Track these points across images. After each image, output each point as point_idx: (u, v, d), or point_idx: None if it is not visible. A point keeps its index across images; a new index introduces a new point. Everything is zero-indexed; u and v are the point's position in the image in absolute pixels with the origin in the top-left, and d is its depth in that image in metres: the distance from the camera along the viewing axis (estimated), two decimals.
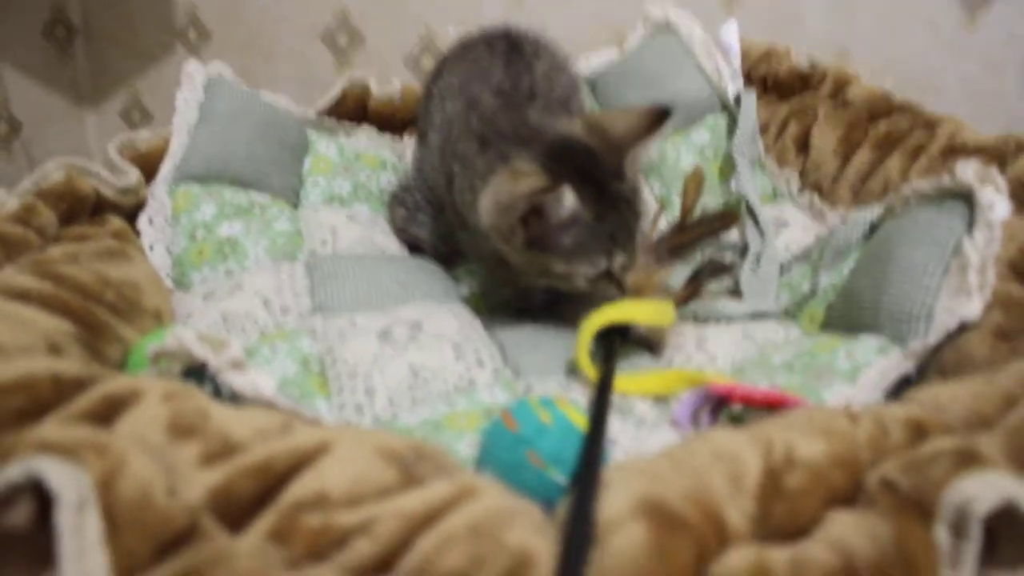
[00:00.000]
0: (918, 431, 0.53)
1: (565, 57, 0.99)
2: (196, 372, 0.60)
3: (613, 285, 0.78)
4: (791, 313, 0.84)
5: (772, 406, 0.61)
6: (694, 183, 0.98)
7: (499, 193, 0.75)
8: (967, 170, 0.71)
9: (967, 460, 0.47)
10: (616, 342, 0.73)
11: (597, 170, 0.75)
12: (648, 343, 0.79)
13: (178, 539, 0.41)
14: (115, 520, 0.40)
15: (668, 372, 0.71)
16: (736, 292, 0.90)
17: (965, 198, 0.71)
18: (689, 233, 0.98)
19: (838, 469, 0.49)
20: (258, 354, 0.77)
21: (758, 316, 0.83)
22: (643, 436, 0.64)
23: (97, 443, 0.44)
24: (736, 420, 0.65)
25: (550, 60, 0.95)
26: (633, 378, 0.70)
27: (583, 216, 0.74)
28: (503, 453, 0.55)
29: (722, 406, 0.65)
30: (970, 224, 0.69)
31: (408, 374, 0.73)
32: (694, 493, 0.45)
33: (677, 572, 0.40)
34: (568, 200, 0.73)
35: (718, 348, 0.78)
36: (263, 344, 0.78)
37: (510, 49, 0.93)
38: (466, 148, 0.84)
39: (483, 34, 1.00)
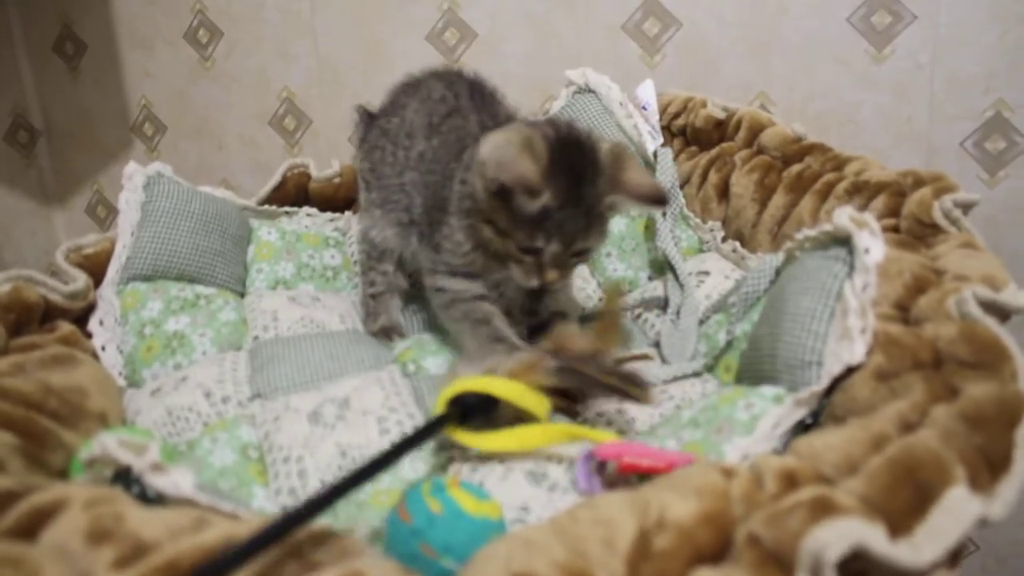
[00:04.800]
0: (791, 482, 0.56)
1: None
2: (126, 474, 0.64)
3: (534, 267, 0.84)
4: (710, 366, 0.87)
5: (658, 472, 0.64)
6: (614, 296, 0.94)
7: (501, 149, 0.79)
8: (843, 215, 0.75)
9: (822, 509, 0.50)
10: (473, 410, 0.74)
11: (588, 174, 0.81)
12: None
13: None
14: None
15: (549, 426, 0.73)
16: (658, 344, 0.94)
17: (846, 242, 0.75)
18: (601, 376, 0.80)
19: (705, 527, 0.52)
20: (199, 446, 0.80)
21: (678, 379, 0.86)
22: (556, 500, 0.68)
23: (13, 557, 0.48)
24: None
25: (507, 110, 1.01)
26: (512, 433, 0.72)
27: (551, 201, 0.80)
28: (400, 546, 0.58)
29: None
30: (852, 268, 0.73)
31: (336, 454, 0.76)
32: (567, 561, 0.49)
33: None
34: (537, 201, 0.80)
35: (637, 410, 0.81)
36: (204, 436, 0.82)
37: (472, 91, 0.99)
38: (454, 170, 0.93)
39: (433, 75, 1.06)
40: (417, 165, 1.00)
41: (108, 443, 0.62)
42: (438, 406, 0.73)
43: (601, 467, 0.69)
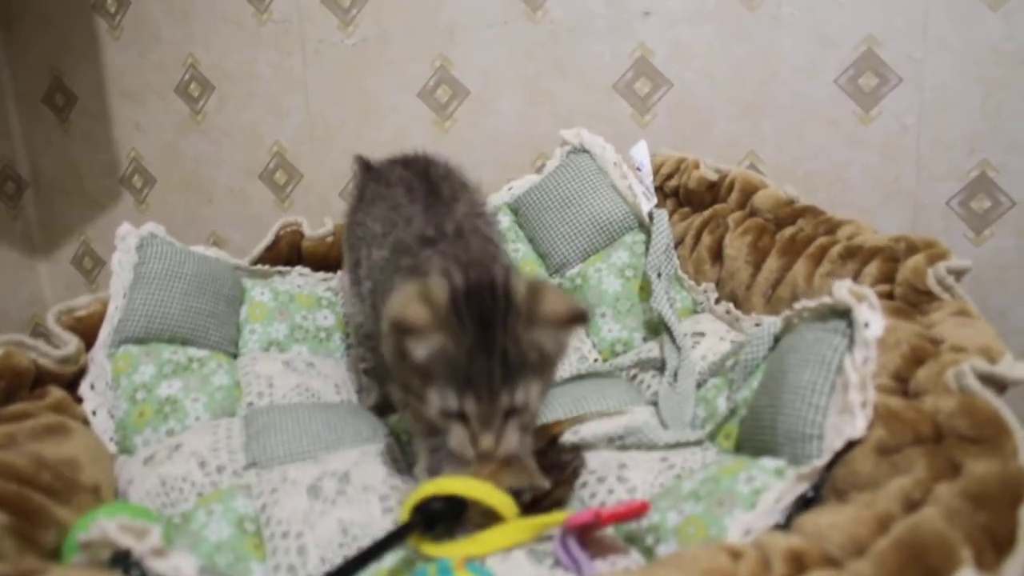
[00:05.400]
0: (798, 563, 0.56)
1: (482, 201, 0.99)
2: (125, 556, 0.63)
3: (465, 433, 0.73)
4: (711, 434, 0.87)
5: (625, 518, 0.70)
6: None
7: (397, 301, 0.74)
8: (843, 288, 0.76)
9: None
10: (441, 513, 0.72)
11: (500, 319, 0.72)
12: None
13: None
14: None
15: (508, 526, 0.72)
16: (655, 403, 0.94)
17: (845, 314, 0.75)
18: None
19: None
20: (194, 519, 0.79)
21: (681, 445, 0.86)
22: None
23: None
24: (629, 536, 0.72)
25: (469, 203, 0.94)
26: (475, 540, 0.71)
27: (451, 348, 0.71)
28: None
29: (591, 530, 0.71)
30: (851, 341, 0.73)
31: (338, 531, 0.75)
32: None
33: None
34: (426, 344, 0.71)
35: (637, 478, 0.80)
36: (199, 508, 0.81)
37: (428, 193, 0.94)
38: (393, 282, 0.84)
39: (401, 172, 0.99)
40: (370, 274, 0.94)
41: (108, 527, 0.61)
42: (403, 514, 0.72)
43: (583, 535, 0.70)
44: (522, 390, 0.72)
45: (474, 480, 0.72)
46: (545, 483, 0.79)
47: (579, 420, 0.91)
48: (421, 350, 0.71)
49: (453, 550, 0.70)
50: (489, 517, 0.73)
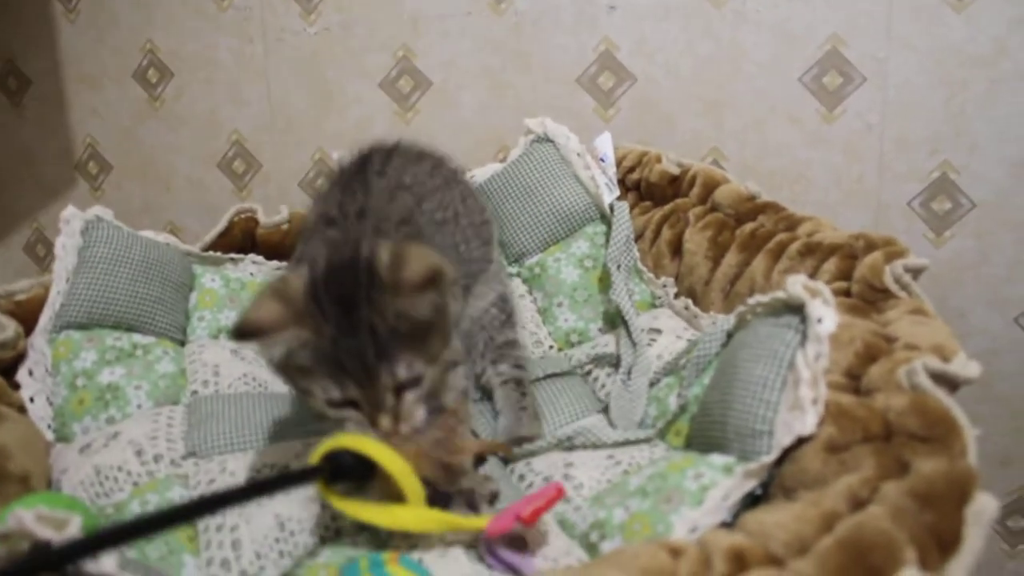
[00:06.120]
0: (740, 562, 0.54)
1: (430, 175, 0.95)
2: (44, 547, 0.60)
3: (361, 418, 0.70)
4: (661, 431, 0.86)
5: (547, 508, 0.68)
6: None
7: (253, 300, 0.70)
8: (797, 283, 0.74)
9: None
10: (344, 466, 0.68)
11: (363, 294, 0.68)
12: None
13: None
14: None
15: (423, 511, 0.68)
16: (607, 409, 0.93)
17: (799, 310, 0.74)
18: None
19: None
20: (127, 510, 0.77)
21: (629, 443, 0.84)
22: None
23: None
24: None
25: (396, 178, 0.89)
26: (386, 509, 0.68)
27: (311, 338, 0.68)
28: None
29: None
30: (804, 336, 0.72)
31: (274, 525, 0.73)
32: None
33: None
34: (282, 344, 0.68)
35: (584, 475, 0.79)
36: (134, 498, 0.78)
37: (352, 178, 0.88)
38: None
39: (346, 164, 0.94)
40: None
41: (25, 518, 0.58)
42: (313, 457, 0.68)
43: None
44: (404, 364, 0.69)
45: (394, 453, 0.68)
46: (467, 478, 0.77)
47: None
48: (277, 349, 0.68)
49: (360, 512, 0.67)
50: (393, 497, 0.69)
